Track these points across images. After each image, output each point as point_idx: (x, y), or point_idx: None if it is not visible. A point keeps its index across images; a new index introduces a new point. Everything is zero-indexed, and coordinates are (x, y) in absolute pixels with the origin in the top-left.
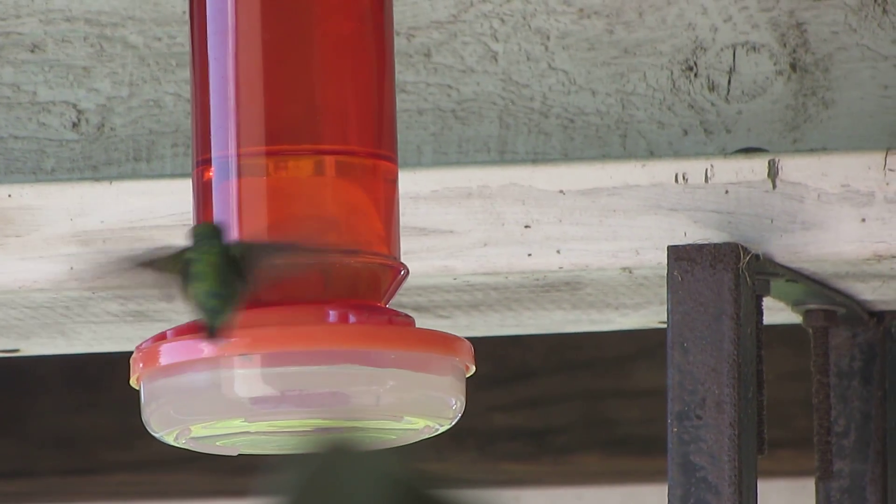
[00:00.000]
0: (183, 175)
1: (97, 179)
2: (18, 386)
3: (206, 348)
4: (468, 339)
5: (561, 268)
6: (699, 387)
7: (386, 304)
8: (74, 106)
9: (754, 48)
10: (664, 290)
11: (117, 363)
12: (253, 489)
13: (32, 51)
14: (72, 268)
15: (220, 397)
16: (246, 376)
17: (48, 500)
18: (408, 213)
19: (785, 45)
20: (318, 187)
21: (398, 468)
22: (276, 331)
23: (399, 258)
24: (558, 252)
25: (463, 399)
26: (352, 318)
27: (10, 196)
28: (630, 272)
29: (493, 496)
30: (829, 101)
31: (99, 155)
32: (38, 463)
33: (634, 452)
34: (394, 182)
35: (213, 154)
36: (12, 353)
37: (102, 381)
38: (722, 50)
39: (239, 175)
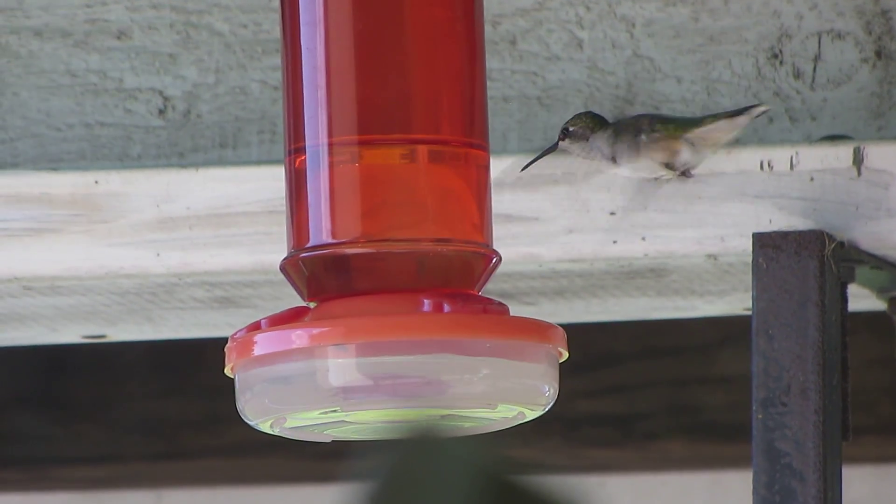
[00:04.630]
0: (269, 162)
1: (183, 166)
2: (105, 372)
3: (299, 338)
4: None
5: (646, 255)
6: (784, 373)
7: (479, 292)
8: (161, 93)
9: (839, 35)
10: (749, 277)
11: (204, 348)
12: (339, 475)
13: (119, 38)
14: (158, 254)
15: (315, 387)
16: (340, 366)
17: (135, 486)
18: (493, 200)
19: (870, 32)
20: (410, 176)
21: (482, 455)
22: (371, 320)
23: (491, 245)
24: (643, 239)
25: (556, 385)
26: (446, 307)
27: (96, 182)
28: (715, 259)
29: (577, 482)
30: None
31: (185, 141)
32: (124, 448)
33: (719, 439)
34: (485, 168)
35: (307, 143)
36: (99, 339)
37: (189, 366)
38: (807, 37)
39: (331, 164)
